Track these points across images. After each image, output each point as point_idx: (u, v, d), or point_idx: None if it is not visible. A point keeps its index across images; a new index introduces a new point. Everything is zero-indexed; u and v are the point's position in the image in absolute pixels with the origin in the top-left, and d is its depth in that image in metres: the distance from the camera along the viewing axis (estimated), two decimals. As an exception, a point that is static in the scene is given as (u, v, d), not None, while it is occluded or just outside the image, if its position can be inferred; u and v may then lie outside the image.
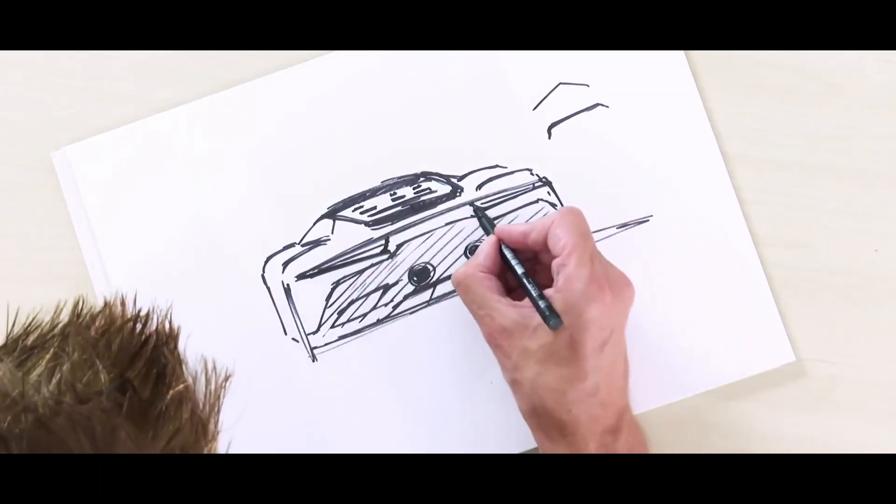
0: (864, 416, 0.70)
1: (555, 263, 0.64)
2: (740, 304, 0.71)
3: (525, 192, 0.72)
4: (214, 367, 0.50)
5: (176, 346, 0.49)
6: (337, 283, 0.71)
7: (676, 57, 0.73)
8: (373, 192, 0.72)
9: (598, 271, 0.63)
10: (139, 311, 0.49)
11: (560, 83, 0.73)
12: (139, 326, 0.49)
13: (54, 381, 0.45)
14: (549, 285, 0.64)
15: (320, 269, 0.72)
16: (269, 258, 0.72)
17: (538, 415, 0.64)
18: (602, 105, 0.73)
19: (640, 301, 0.70)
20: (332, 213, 0.72)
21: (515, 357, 0.64)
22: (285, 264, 0.72)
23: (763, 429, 0.70)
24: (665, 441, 0.70)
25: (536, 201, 0.72)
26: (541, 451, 0.66)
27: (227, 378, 0.50)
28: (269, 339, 0.71)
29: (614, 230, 0.71)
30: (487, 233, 0.70)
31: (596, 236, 0.71)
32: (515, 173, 0.72)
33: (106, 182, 0.72)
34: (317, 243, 0.72)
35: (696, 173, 0.72)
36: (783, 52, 0.72)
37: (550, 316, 0.62)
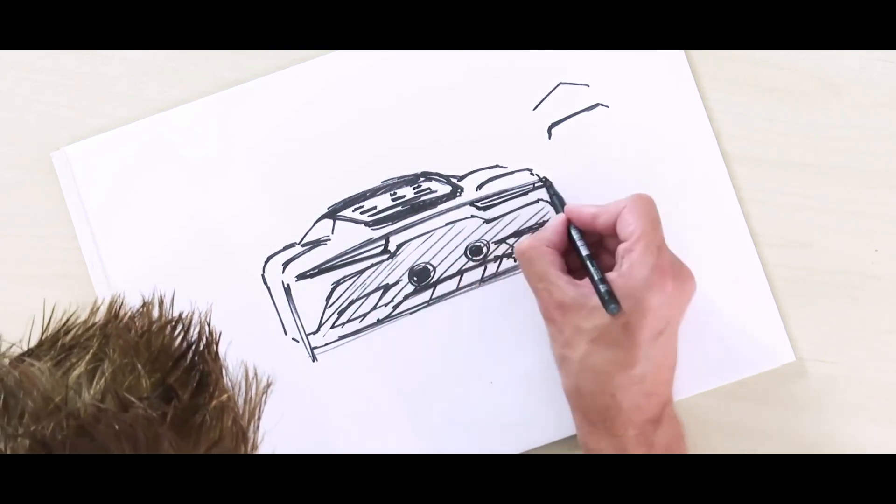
0: (864, 416, 0.70)
1: (621, 248, 0.64)
2: (740, 304, 0.71)
3: (525, 193, 0.72)
4: (255, 374, 0.50)
5: (217, 352, 0.49)
6: (337, 283, 0.71)
7: (676, 57, 0.73)
8: (373, 192, 0.72)
9: (663, 261, 0.63)
10: (181, 313, 0.49)
11: (560, 83, 0.73)
12: (179, 328, 0.48)
13: (97, 385, 0.44)
14: (611, 269, 0.64)
15: (320, 269, 0.72)
16: (269, 258, 0.72)
17: (581, 395, 0.64)
18: (602, 105, 0.73)
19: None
20: (333, 213, 0.72)
21: (568, 333, 0.64)
22: (285, 264, 0.72)
23: (763, 429, 0.70)
24: (665, 441, 0.70)
25: (536, 201, 0.72)
26: (578, 435, 0.66)
27: (268, 385, 0.50)
28: (269, 339, 0.71)
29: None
30: (557, 210, 0.70)
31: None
32: (515, 173, 0.72)
33: (106, 182, 0.72)
34: (317, 243, 0.72)
35: (696, 173, 0.72)
36: (783, 52, 0.72)
37: (609, 301, 0.62)
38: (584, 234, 0.67)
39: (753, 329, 0.70)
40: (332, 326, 0.71)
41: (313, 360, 0.71)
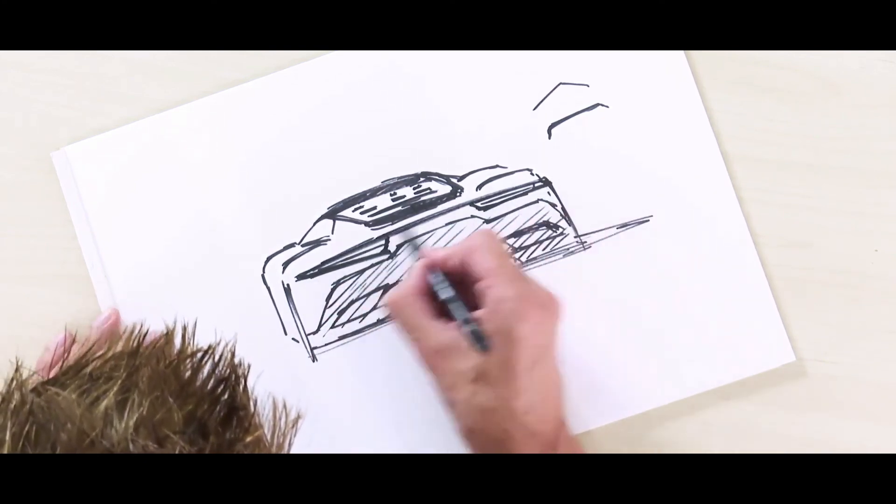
0: (864, 416, 0.70)
1: (479, 287, 0.64)
2: (740, 304, 0.71)
3: (525, 193, 0.72)
4: (285, 407, 0.49)
5: (246, 385, 0.48)
6: (337, 283, 0.72)
7: (676, 57, 0.73)
8: (373, 192, 0.72)
9: (524, 290, 0.63)
10: (209, 344, 0.48)
11: (560, 83, 0.73)
12: (207, 358, 0.48)
13: (132, 418, 0.43)
14: (478, 307, 0.64)
15: (320, 269, 0.72)
16: (269, 258, 0.72)
17: (475, 435, 0.64)
18: (602, 105, 0.73)
19: (640, 301, 0.71)
20: (332, 213, 0.72)
21: (450, 378, 0.63)
22: (285, 264, 0.72)
23: (763, 429, 0.70)
24: (665, 441, 0.70)
25: (536, 201, 0.72)
26: None
27: (297, 418, 0.50)
28: (269, 339, 0.71)
29: (614, 230, 0.71)
30: (414, 247, 0.70)
31: (596, 236, 0.71)
32: (515, 173, 0.72)
33: (106, 182, 0.72)
34: (317, 243, 0.72)
35: (696, 173, 0.72)
36: (783, 52, 0.72)
37: (477, 340, 0.62)
38: (449, 275, 0.66)
39: (753, 329, 0.70)
40: (333, 326, 0.71)
41: (313, 360, 0.71)
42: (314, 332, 0.71)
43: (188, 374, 0.46)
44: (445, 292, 0.65)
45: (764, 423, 0.70)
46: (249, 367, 0.49)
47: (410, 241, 0.71)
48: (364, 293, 0.71)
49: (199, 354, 0.48)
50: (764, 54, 0.73)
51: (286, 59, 0.73)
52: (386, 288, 0.71)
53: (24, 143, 0.73)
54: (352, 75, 0.73)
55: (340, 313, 0.71)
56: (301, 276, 0.72)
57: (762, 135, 0.72)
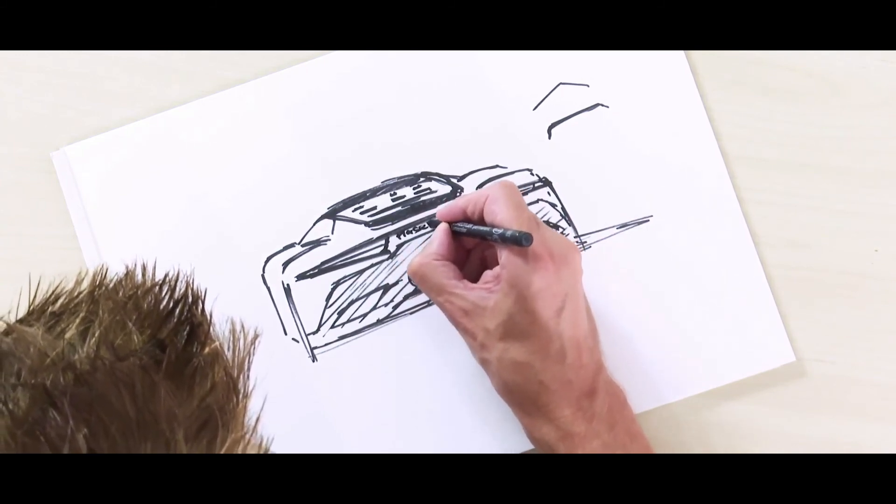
0: (864, 416, 0.70)
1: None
2: (740, 304, 0.71)
3: (525, 193, 0.72)
4: (243, 327, 0.50)
5: (204, 307, 0.50)
6: (337, 283, 0.72)
7: (676, 57, 0.73)
8: (373, 192, 0.72)
9: (540, 240, 0.63)
10: (166, 274, 0.50)
11: (560, 83, 0.73)
12: (166, 289, 0.49)
13: (92, 340, 0.45)
14: (488, 267, 0.66)
15: (320, 269, 0.72)
16: (269, 258, 0.72)
17: (511, 390, 0.65)
18: (602, 105, 0.73)
19: (640, 301, 0.71)
20: (332, 213, 0.72)
21: (480, 337, 0.65)
22: (285, 264, 0.72)
23: (763, 429, 0.70)
24: (665, 441, 0.70)
25: (536, 201, 0.72)
26: (523, 429, 0.66)
27: (255, 337, 0.51)
28: (269, 339, 0.71)
29: (614, 230, 0.71)
30: (434, 227, 0.71)
31: (596, 236, 0.71)
32: (515, 173, 0.72)
33: (106, 182, 0.72)
34: (317, 243, 0.72)
35: (696, 173, 0.72)
36: (783, 52, 0.72)
37: (516, 242, 0.62)
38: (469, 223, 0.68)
39: (753, 329, 0.70)
40: (332, 326, 0.71)
41: (313, 360, 0.71)
42: (314, 332, 0.71)
43: (149, 303, 0.48)
44: (470, 224, 0.67)
45: (764, 423, 0.70)
46: (206, 290, 0.50)
47: (430, 221, 0.71)
48: (364, 293, 0.71)
49: (158, 286, 0.49)
50: (764, 54, 0.73)
51: (286, 59, 0.73)
52: (386, 288, 0.71)
53: (24, 143, 0.73)
54: (352, 75, 0.73)
55: (340, 313, 0.71)
56: (301, 276, 0.72)
57: (762, 135, 0.72)
